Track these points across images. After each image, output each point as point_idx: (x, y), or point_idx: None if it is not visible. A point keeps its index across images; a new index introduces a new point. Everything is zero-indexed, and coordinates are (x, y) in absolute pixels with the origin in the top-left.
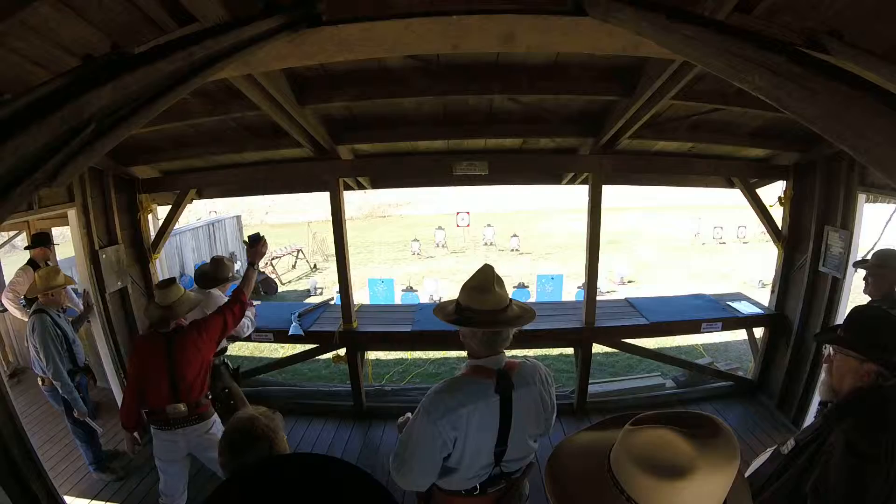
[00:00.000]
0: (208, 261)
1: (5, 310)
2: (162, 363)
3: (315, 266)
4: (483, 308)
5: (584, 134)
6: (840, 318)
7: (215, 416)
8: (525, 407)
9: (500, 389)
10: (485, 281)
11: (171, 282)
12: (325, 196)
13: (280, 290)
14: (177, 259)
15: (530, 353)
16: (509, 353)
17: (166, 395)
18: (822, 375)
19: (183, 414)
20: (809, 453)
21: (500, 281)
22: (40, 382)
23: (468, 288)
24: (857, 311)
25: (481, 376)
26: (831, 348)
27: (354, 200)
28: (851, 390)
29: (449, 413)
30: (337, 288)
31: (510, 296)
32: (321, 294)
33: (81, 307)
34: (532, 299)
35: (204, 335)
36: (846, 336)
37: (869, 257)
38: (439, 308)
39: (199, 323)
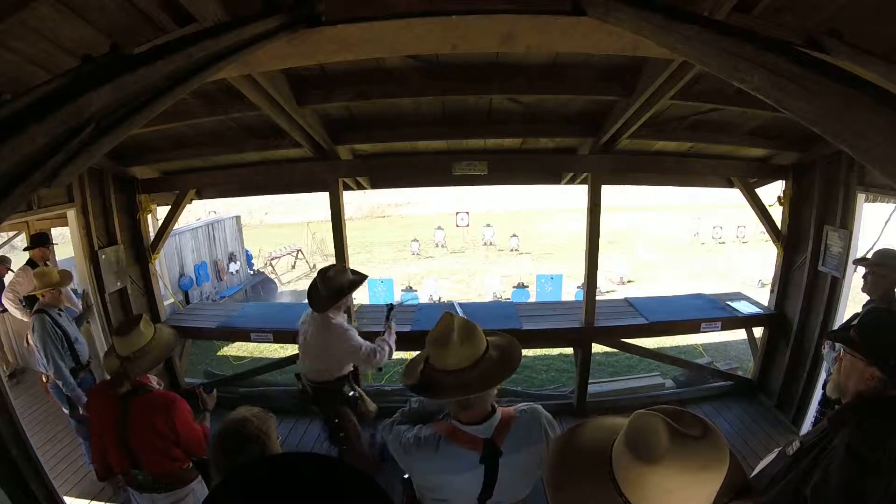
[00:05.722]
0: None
1: (5, 310)
2: (112, 428)
3: (315, 266)
4: (446, 367)
5: (583, 134)
6: (840, 318)
7: (194, 485)
8: (514, 469)
9: (486, 460)
10: (443, 333)
11: (133, 324)
12: (324, 196)
13: (279, 290)
14: (176, 259)
15: (530, 352)
16: None
17: (124, 462)
18: (832, 372)
19: (148, 481)
20: (813, 455)
21: (467, 331)
22: (44, 379)
23: (429, 340)
24: (872, 313)
25: (465, 445)
26: (843, 347)
27: (354, 200)
28: (855, 392)
29: (420, 472)
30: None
31: (484, 344)
32: None
33: (81, 307)
34: (532, 299)
35: (167, 432)
36: (856, 337)
37: (869, 256)
38: (410, 367)
39: (168, 413)
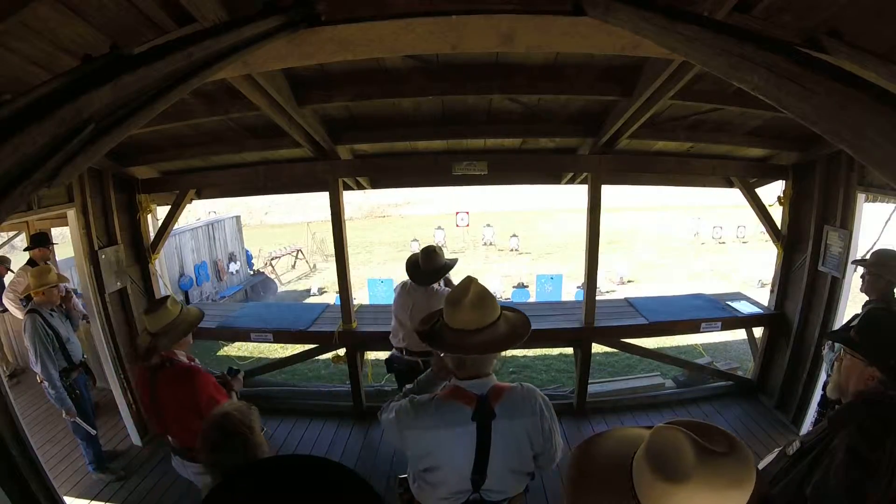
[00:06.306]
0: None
1: (5, 310)
2: (147, 397)
3: (314, 266)
4: (454, 325)
5: (583, 134)
6: (840, 318)
7: None
8: (506, 440)
9: (478, 417)
10: (458, 294)
11: (160, 303)
12: (324, 196)
13: (279, 290)
14: (176, 259)
15: (530, 353)
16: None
17: (158, 427)
18: (832, 373)
19: (176, 446)
20: (813, 456)
21: (480, 297)
22: (39, 380)
23: (446, 300)
24: (872, 313)
25: (460, 400)
26: (843, 348)
27: (354, 200)
28: (856, 393)
29: (417, 429)
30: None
31: (495, 314)
32: (324, 295)
33: (82, 309)
34: (532, 299)
35: (188, 403)
36: (855, 338)
37: (868, 256)
38: (426, 318)
39: (189, 384)
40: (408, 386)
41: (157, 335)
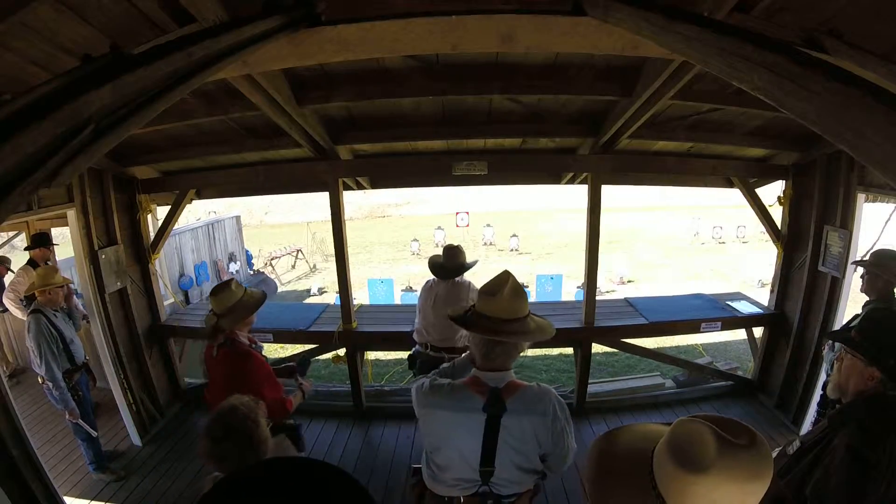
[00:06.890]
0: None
1: (6, 310)
2: (210, 374)
3: (314, 266)
4: (488, 314)
5: (583, 134)
6: (840, 318)
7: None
8: (515, 435)
9: (489, 409)
10: (496, 285)
11: (225, 285)
12: (324, 196)
13: (279, 290)
14: (176, 259)
15: (530, 353)
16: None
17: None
18: (832, 373)
19: None
20: (813, 455)
21: (516, 290)
22: (40, 381)
23: (481, 291)
24: (874, 313)
25: (473, 389)
26: (843, 347)
27: (354, 200)
28: (855, 392)
29: (429, 407)
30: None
31: (526, 310)
32: (324, 295)
33: (82, 309)
34: (532, 299)
35: (235, 382)
36: (856, 338)
37: (868, 256)
38: (458, 308)
39: (240, 365)
40: (444, 365)
41: (221, 316)
